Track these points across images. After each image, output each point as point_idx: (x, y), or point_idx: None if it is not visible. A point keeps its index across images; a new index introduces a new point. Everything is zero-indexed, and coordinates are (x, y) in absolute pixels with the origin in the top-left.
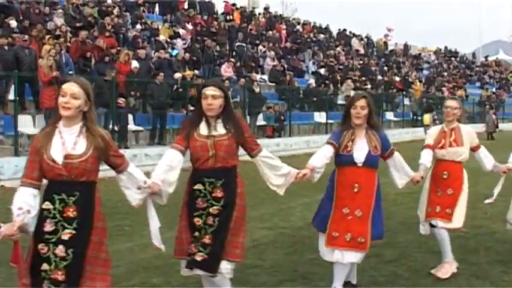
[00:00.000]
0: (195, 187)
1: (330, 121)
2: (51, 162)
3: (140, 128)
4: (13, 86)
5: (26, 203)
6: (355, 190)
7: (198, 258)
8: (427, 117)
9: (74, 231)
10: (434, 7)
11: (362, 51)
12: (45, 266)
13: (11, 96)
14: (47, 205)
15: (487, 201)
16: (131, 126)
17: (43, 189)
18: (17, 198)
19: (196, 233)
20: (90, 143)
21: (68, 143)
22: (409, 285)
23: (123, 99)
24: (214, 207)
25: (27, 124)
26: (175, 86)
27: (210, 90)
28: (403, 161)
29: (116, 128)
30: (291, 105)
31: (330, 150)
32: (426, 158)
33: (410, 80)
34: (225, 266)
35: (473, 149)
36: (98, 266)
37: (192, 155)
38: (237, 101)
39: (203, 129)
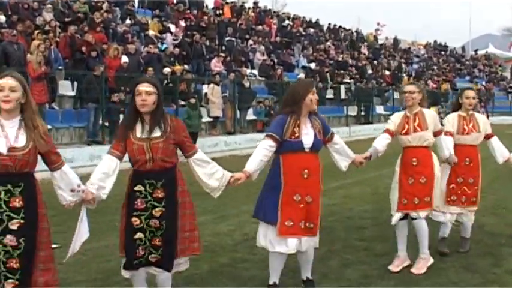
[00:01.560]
0: (136, 188)
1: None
2: None
3: None
4: None
5: None
6: (305, 176)
7: (152, 259)
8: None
9: (22, 221)
10: (425, 1)
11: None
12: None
13: None
14: None
15: None
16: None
17: None
18: None
19: (140, 235)
20: (30, 136)
21: (11, 136)
22: (399, 279)
23: (116, 95)
24: (157, 208)
25: None
26: (164, 81)
27: (143, 87)
28: (343, 143)
29: (106, 124)
30: (281, 99)
31: (272, 145)
32: (379, 141)
33: (400, 74)
34: (178, 262)
35: (436, 134)
36: (47, 249)
37: (130, 157)
38: (227, 96)
39: (139, 131)
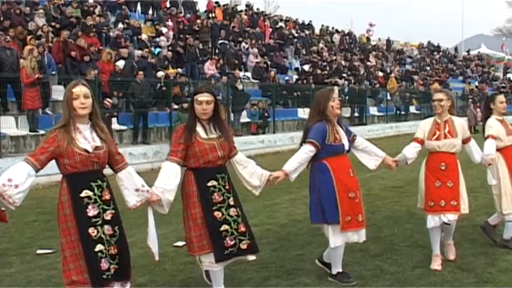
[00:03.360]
0: (208, 184)
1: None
2: (84, 152)
3: (124, 128)
4: None
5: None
6: (351, 175)
7: (243, 246)
8: None
9: (113, 211)
10: (417, 1)
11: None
12: (100, 247)
13: None
14: (87, 193)
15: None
16: (115, 126)
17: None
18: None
19: (225, 226)
20: (101, 138)
21: (89, 138)
22: (394, 279)
23: (109, 100)
24: (230, 199)
25: (9, 125)
26: (158, 85)
27: (204, 96)
28: (369, 143)
29: None
30: (275, 101)
31: (312, 150)
32: (409, 149)
33: (393, 75)
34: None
35: (464, 141)
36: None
37: (199, 157)
38: (220, 99)
39: (202, 133)
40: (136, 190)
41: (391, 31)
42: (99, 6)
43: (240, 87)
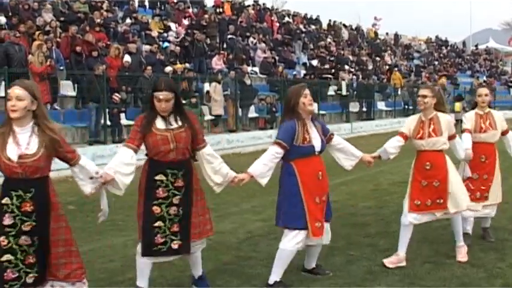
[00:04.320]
0: (157, 178)
1: (321, 112)
2: (7, 161)
3: (132, 122)
4: (3, 83)
5: None
6: (320, 178)
7: (175, 246)
8: (458, 105)
9: (34, 223)
10: None
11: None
12: (8, 257)
13: (2, 93)
14: (6, 200)
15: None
16: (123, 121)
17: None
18: None
19: (159, 223)
20: (41, 141)
21: (22, 142)
22: (404, 275)
23: (118, 95)
24: (177, 196)
25: None
26: None
27: (162, 95)
28: (346, 142)
29: (108, 123)
30: (283, 96)
31: (279, 152)
32: (391, 143)
33: (396, 69)
34: (196, 243)
35: (450, 138)
36: (61, 246)
37: (152, 149)
38: (229, 94)
39: (160, 123)
40: (91, 178)
41: (399, 25)
42: (106, 2)
43: (248, 82)
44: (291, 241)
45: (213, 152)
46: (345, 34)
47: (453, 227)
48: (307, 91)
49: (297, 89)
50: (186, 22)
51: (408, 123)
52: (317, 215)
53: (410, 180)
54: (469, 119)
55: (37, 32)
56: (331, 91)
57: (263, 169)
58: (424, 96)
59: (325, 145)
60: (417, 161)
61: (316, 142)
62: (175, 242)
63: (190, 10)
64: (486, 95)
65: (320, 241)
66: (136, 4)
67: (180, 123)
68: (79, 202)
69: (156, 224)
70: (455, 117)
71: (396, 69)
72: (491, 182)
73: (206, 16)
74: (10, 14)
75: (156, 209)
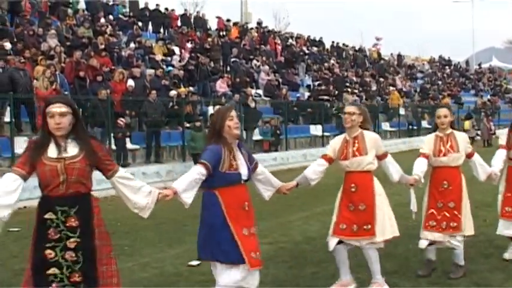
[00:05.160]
0: (46, 216)
1: (326, 134)
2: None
3: (137, 147)
4: (9, 108)
5: None
6: (246, 208)
7: None
8: (467, 123)
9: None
10: (428, 16)
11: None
12: (54, 270)
13: (7, 118)
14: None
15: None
16: (128, 145)
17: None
18: None
19: (54, 270)
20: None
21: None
22: None
23: (123, 119)
24: (71, 239)
25: (23, 146)
26: (170, 104)
27: (56, 107)
28: (267, 173)
29: (113, 147)
30: (287, 119)
31: (203, 173)
32: (311, 169)
33: (404, 89)
34: None
35: (380, 157)
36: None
37: (41, 181)
38: None
39: (52, 150)
40: None
41: (401, 45)
42: (110, 26)
43: (252, 105)
44: (230, 277)
45: (128, 174)
46: (348, 55)
47: (369, 259)
48: (233, 113)
49: (222, 111)
50: (189, 45)
51: (333, 144)
52: (250, 245)
53: (337, 203)
54: (427, 142)
55: (40, 57)
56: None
57: (187, 186)
58: (351, 114)
59: (251, 173)
60: (344, 183)
61: (243, 170)
62: None
63: (194, 33)
64: (445, 116)
65: None
66: (140, 28)
67: (76, 150)
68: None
69: (50, 271)
70: (468, 134)
71: (395, 89)
72: (460, 211)
73: (210, 39)
74: (15, 39)
75: (49, 253)
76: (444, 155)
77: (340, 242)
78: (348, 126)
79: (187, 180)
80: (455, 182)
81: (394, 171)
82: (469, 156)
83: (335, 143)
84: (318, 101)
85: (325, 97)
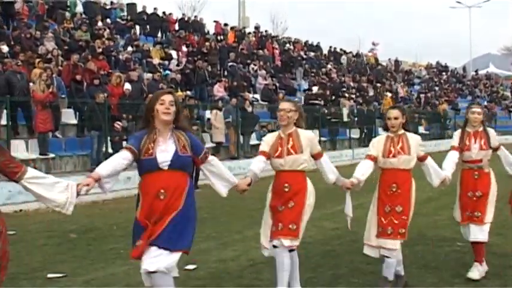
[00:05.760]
0: None
1: (322, 138)
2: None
3: None
4: (5, 111)
5: None
6: (162, 197)
7: None
8: None
9: None
10: (425, 22)
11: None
12: None
13: (4, 121)
14: None
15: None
16: None
17: None
18: None
19: None
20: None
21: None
22: None
23: (119, 123)
24: None
25: (20, 149)
26: None
27: None
28: (223, 167)
29: (109, 151)
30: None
31: (126, 157)
32: (255, 165)
33: (401, 95)
34: None
35: (315, 157)
36: None
37: None
38: (230, 121)
39: None
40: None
41: (399, 51)
42: (108, 30)
43: (249, 109)
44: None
45: (38, 173)
46: (345, 61)
47: (293, 264)
48: (165, 97)
49: (155, 95)
50: (187, 49)
51: (267, 141)
52: (144, 234)
53: (267, 205)
54: (377, 143)
55: (37, 60)
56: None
57: (111, 172)
58: (288, 111)
59: (184, 160)
60: (274, 183)
61: (163, 156)
62: None
63: (192, 37)
64: (396, 118)
65: None
66: (138, 32)
67: None
68: (80, 230)
69: None
70: None
71: (389, 93)
72: (408, 217)
73: (207, 44)
74: (12, 42)
75: None
76: (394, 156)
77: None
78: (283, 124)
79: (110, 164)
80: (405, 185)
81: (330, 171)
82: (421, 159)
83: (268, 139)
84: (308, 105)
85: (316, 101)
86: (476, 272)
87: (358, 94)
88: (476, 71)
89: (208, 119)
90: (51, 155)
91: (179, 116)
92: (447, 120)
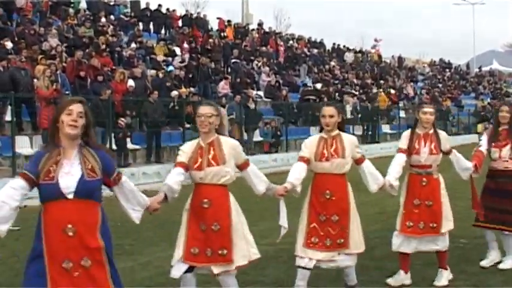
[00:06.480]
0: None
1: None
2: None
3: (137, 147)
4: (10, 107)
5: None
6: (70, 234)
7: None
8: (480, 127)
9: None
10: (428, 19)
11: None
12: None
13: (8, 117)
14: None
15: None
16: (129, 145)
17: None
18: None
19: None
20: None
21: None
22: None
23: (123, 119)
24: None
25: (24, 145)
26: (171, 104)
27: None
28: (135, 189)
29: (114, 147)
30: (287, 120)
31: (19, 187)
32: (171, 178)
33: (405, 92)
34: None
35: (240, 167)
36: None
37: None
38: (234, 118)
39: None
40: None
41: (402, 47)
42: (111, 26)
43: (252, 106)
44: None
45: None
46: (348, 57)
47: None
48: (74, 107)
49: (63, 103)
50: (190, 46)
51: (185, 149)
52: (61, 281)
53: (184, 221)
54: (309, 144)
55: (39, 57)
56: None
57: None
58: (209, 116)
59: (93, 186)
60: (193, 199)
61: (67, 180)
62: None
63: (197, 33)
64: (331, 116)
65: None
66: (141, 28)
67: None
68: None
69: None
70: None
71: (382, 90)
72: (347, 225)
73: (211, 40)
74: (16, 39)
75: None
76: (327, 159)
77: (190, 269)
78: (204, 131)
79: (5, 193)
80: (340, 192)
81: (259, 182)
82: (357, 162)
83: (187, 149)
84: (305, 102)
85: (312, 97)
86: (442, 279)
87: (361, 91)
88: (479, 68)
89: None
90: None
91: (89, 130)
92: (450, 117)
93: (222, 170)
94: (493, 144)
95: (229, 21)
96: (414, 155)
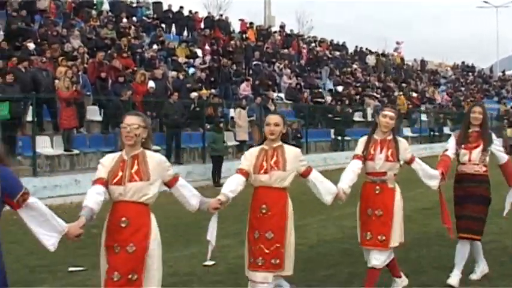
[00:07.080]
0: None
1: (346, 138)
2: None
3: (157, 148)
4: (31, 108)
5: None
6: None
7: None
8: (510, 131)
9: None
10: (452, 22)
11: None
12: None
13: (29, 117)
14: None
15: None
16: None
17: None
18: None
19: None
20: None
21: None
22: None
23: None
24: None
25: (45, 145)
26: (192, 105)
27: None
28: (44, 209)
29: None
30: (308, 122)
31: None
32: (90, 197)
33: (427, 95)
34: None
35: (168, 184)
36: None
37: None
38: (254, 120)
39: None
40: None
41: (425, 50)
42: (133, 28)
43: (272, 108)
44: None
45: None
46: (370, 60)
47: None
48: None
49: None
50: (211, 48)
51: (104, 164)
52: None
53: (102, 245)
54: (250, 155)
55: (60, 58)
56: (357, 117)
57: None
58: (137, 127)
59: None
60: (110, 217)
61: None
62: None
63: (219, 34)
64: (276, 124)
65: None
66: (163, 30)
67: None
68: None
69: None
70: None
71: (402, 93)
72: (282, 244)
73: (232, 42)
74: (39, 40)
75: None
76: (265, 172)
77: None
78: (129, 143)
79: None
80: (277, 207)
81: (190, 195)
82: (303, 175)
83: (107, 163)
84: (316, 104)
85: (320, 100)
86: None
87: (383, 94)
88: (503, 72)
89: (232, 118)
90: (76, 151)
91: None
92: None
93: (144, 187)
94: (462, 146)
95: (251, 23)
96: (369, 161)
